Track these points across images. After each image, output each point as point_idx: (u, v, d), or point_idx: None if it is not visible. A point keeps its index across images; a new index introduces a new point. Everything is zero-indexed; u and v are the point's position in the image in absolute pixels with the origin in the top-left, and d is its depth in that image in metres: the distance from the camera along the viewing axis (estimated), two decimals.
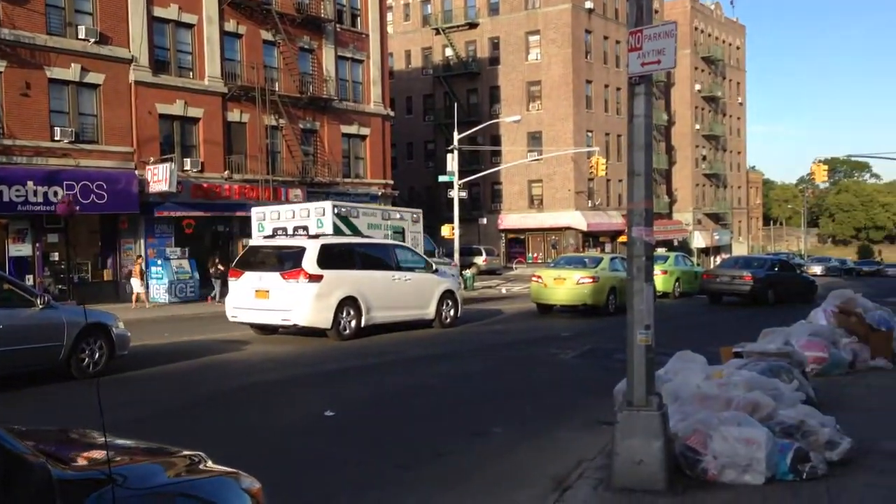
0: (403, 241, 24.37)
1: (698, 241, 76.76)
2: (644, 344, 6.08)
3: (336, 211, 22.46)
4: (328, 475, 6.92)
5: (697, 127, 78.65)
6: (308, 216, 22.53)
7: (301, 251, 16.15)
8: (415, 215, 26.59)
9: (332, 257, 16.43)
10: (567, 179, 58.66)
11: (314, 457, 7.47)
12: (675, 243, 67.78)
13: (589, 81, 60.22)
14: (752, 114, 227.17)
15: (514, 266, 58.76)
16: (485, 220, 56.00)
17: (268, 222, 23.03)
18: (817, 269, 60.95)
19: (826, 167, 49.18)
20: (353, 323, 16.63)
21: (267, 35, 34.59)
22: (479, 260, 52.27)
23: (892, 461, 6.94)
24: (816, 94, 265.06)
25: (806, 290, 29.26)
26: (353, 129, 38.85)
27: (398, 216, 25.79)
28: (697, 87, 78.59)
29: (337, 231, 21.60)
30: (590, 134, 60.14)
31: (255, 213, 23.85)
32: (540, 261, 56.92)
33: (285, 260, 16.28)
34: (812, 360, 11.53)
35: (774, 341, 11.28)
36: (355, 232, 22.16)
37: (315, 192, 36.48)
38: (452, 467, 7.12)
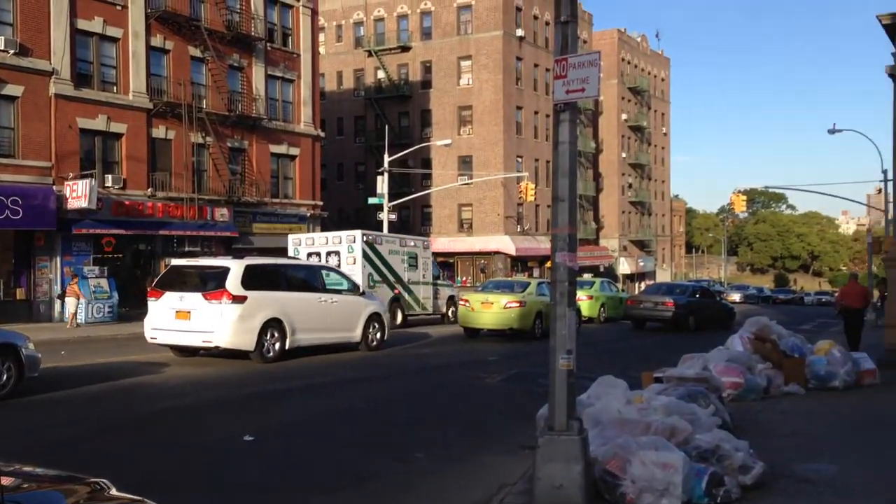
0: (416, 266, 29.53)
1: (624, 267, 78.42)
2: (565, 369, 6.14)
3: (365, 239, 26.94)
4: (244, 502, 6.76)
5: (624, 155, 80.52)
6: (340, 242, 26.97)
7: (225, 272, 15.85)
8: (425, 243, 31.25)
9: (257, 278, 16.17)
10: (497, 204, 59.18)
11: (231, 483, 7.28)
12: (601, 269, 68.99)
13: (519, 107, 61.07)
14: (676, 144, 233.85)
15: None
16: None
17: (303, 248, 27.37)
18: (736, 297, 62.89)
19: (745, 197, 50.85)
20: (278, 345, 16.37)
21: (195, 51, 34.09)
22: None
23: (802, 485, 7.14)
24: (737, 128, 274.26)
25: (725, 317, 30.12)
26: (282, 149, 38.51)
27: (412, 244, 30.01)
28: (624, 116, 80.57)
29: (366, 256, 26.71)
30: (520, 159, 60.89)
31: (292, 239, 28.11)
32: (469, 284, 57.13)
33: (208, 280, 15.95)
34: (729, 385, 11.83)
35: (693, 367, 11.54)
36: (380, 257, 27.45)
37: (242, 211, 35.94)
38: (375, 493, 7.04)
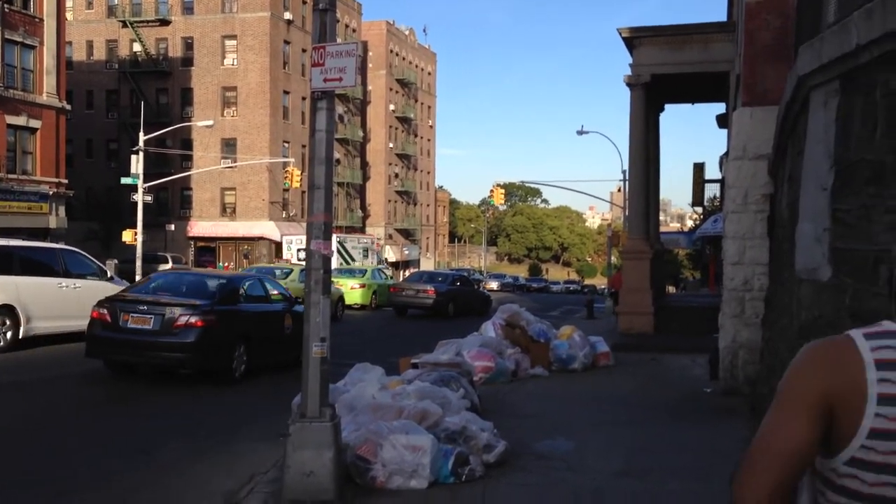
0: (368, 255, 45.28)
1: (389, 255, 79.83)
2: (319, 356, 6.17)
3: (338, 240, 39.40)
4: None
5: (391, 145, 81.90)
6: None
7: None
8: (373, 240, 49.55)
9: None
10: (262, 189, 58.03)
11: None
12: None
13: (287, 92, 60.18)
14: (442, 137, 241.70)
15: None
16: (173, 227, 53.54)
17: (294, 245, 40.42)
18: (494, 285, 66.18)
19: (503, 191, 53.62)
20: (10, 334, 15.02)
21: None
22: (165, 268, 49.82)
23: (540, 461, 7.70)
24: (498, 124, 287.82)
25: (482, 304, 31.60)
26: (21, 121, 35.21)
27: (366, 241, 47.63)
28: (392, 107, 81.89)
29: (339, 252, 39.25)
30: (286, 144, 60.08)
31: (286, 240, 42.40)
32: (232, 271, 55.55)
33: None
34: (480, 369, 12.46)
35: (447, 352, 12.03)
36: (347, 252, 40.78)
37: None
38: (119, 488, 6.69)
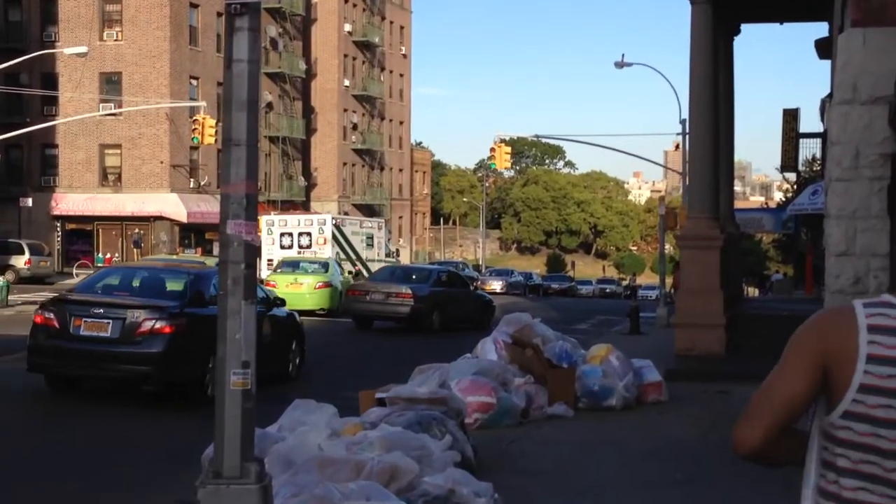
0: (373, 244, 47.02)
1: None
2: (240, 388, 6.16)
3: (333, 222, 43.78)
4: None
5: (347, 83, 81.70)
6: (312, 224, 43.69)
7: None
8: (379, 223, 51.70)
9: None
10: (159, 147, 57.84)
11: None
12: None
13: (195, 5, 59.98)
14: (420, 72, 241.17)
15: (75, 272, 56.53)
16: (30, 202, 53.28)
17: (276, 227, 43.45)
18: (496, 285, 66.13)
19: (510, 150, 53.58)
20: None
21: None
22: (21, 262, 49.66)
23: None
24: (503, 56, 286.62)
25: (481, 313, 31.49)
26: None
27: (370, 225, 49.64)
28: (348, 27, 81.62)
29: (334, 237, 42.57)
30: (195, 82, 59.89)
31: (266, 220, 43.34)
32: (116, 263, 55.33)
33: None
34: (475, 407, 12.47)
35: (429, 382, 12.04)
36: (345, 239, 43.40)
37: None
38: None
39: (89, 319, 13.14)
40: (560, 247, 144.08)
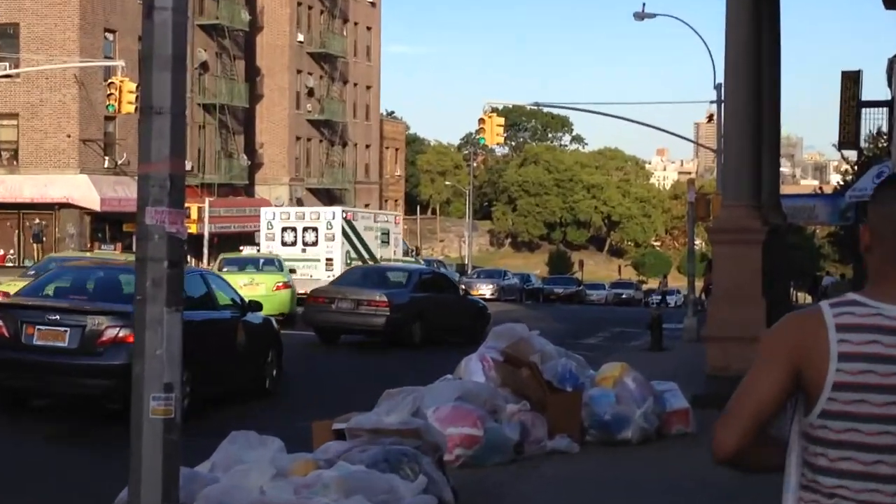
0: (388, 241, 48.87)
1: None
2: (161, 417, 6.15)
3: (344, 215, 45.80)
4: None
5: (301, 39, 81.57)
6: (318, 219, 45.72)
7: None
8: (396, 217, 53.78)
9: None
10: (66, 117, 57.74)
11: None
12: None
13: None
14: (392, 24, 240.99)
15: None
16: None
17: (277, 221, 45.92)
18: (485, 290, 66.17)
19: (503, 121, 53.58)
20: None
21: None
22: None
23: None
24: (495, 9, 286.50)
25: (473, 323, 31.42)
26: None
27: (384, 219, 51.47)
28: None
29: (344, 233, 44.77)
30: (110, 36, 59.84)
31: (265, 213, 47.73)
32: (9, 263, 55.20)
33: None
34: (458, 440, 12.46)
35: (398, 410, 12.01)
36: (357, 234, 45.71)
37: None
38: None
39: (43, 327, 13.89)
40: (565, 242, 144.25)
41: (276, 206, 76.17)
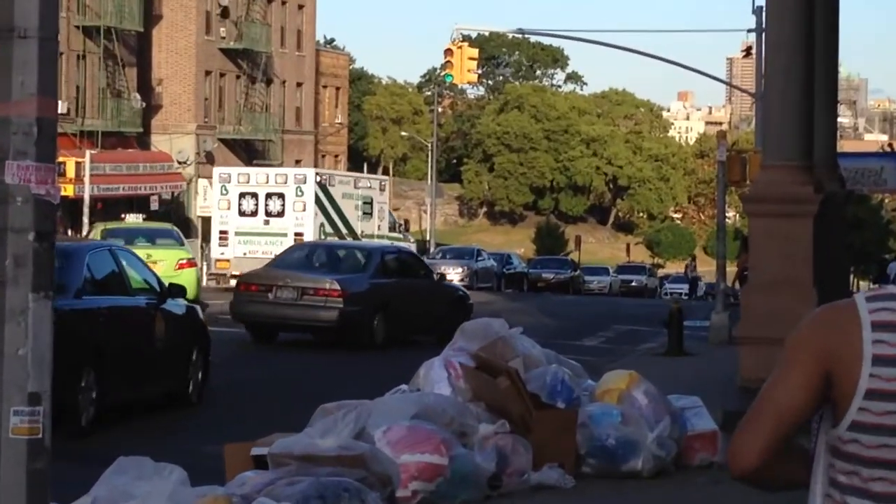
0: (371, 213, 48.98)
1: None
2: (25, 438, 6.13)
3: (318, 179, 45.54)
4: None
5: None
6: (286, 182, 45.07)
7: None
8: (382, 183, 54.85)
9: None
10: None
11: None
12: (158, 205, 69.15)
13: None
14: None
15: None
16: None
17: (233, 185, 45.42)
18: (453, 274, 66.34)
19: (476, 52, 53.51)
20: None
21: None
22: None
23: None
24: None
25: (451, 315, 30.92)
26: None
27: (367, 184, 51.22)
28: None
29: (318, 201, 44.18)
30: None
31: (219, 174, 46.96)
32: None
33: None
34: (415, 471, 12.50)
35: (337, 430, 12.04)
36: (333, 203, 45.30)
37: None
38: None
39: None
40: (557, 213, 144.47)
41: (178, 161, 76.08)
